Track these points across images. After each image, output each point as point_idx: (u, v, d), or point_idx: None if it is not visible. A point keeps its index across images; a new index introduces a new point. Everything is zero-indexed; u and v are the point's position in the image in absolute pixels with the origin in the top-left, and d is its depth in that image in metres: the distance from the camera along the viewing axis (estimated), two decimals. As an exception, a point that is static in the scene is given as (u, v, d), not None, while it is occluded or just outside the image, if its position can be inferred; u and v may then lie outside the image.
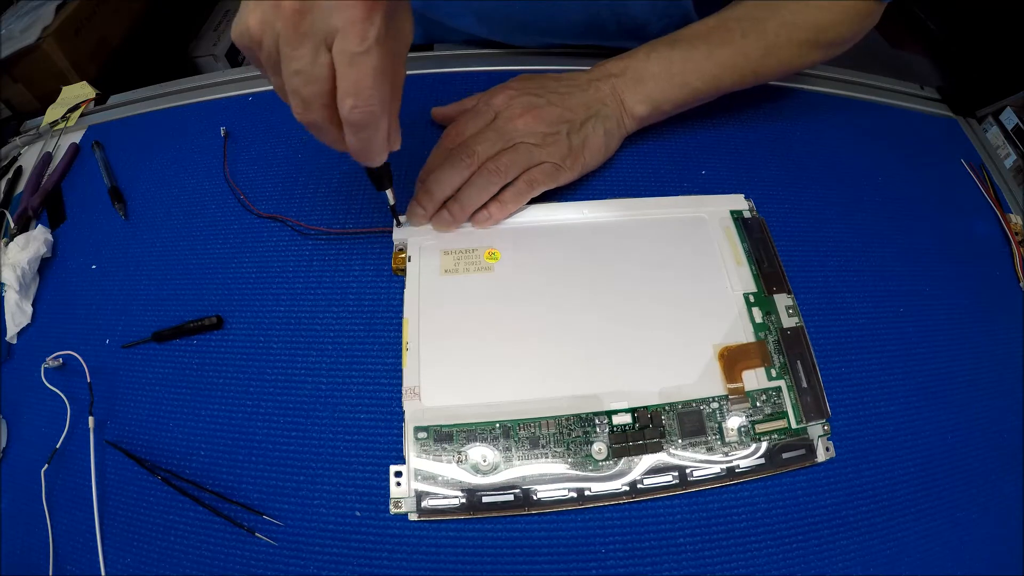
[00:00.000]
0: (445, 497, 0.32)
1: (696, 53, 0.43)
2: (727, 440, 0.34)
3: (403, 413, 0.34)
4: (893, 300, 0.42)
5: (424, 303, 0.38)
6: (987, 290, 0.44)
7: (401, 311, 0.38)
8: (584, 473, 0.33)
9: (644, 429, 0.34)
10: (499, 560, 0.32)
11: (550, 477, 0.33)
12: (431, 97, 0.50)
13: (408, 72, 0.51)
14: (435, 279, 0.39)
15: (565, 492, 0.33)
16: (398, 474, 0.33)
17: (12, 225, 0.45)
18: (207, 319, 0.39)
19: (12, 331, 0.41)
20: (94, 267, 0.43)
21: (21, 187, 0.49)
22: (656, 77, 0.43)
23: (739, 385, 0.35)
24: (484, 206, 0.40)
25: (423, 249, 0.40)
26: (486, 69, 0.53)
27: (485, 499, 0.32)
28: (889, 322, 0.41)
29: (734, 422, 0.35)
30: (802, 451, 0.35)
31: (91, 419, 0.36)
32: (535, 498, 0.32)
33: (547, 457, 0.33)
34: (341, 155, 0.46)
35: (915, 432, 0.37)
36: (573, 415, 0.34)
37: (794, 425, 0.35)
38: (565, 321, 0.37)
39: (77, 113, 0.55)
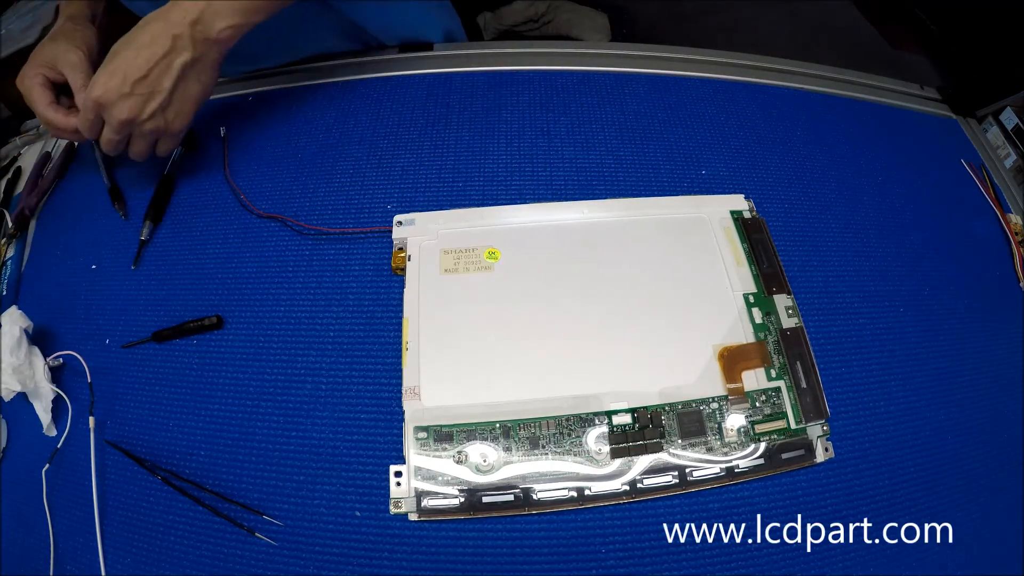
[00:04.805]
0: (445, 497, 0.32)
1: None
2: (727, 440, 0.34)
3: (403, 413, 0.34)
4: (893, 300, 0.42)
5: (424, 303, 0.38)
6: (987, 290, 0.44)
7: (401, 311, 0.38)
8: (584, 473, 0.33)
9: (644, 429, 0.34)
10: (499, 560, 0.32)
11: (550, 477, 0.33)
12: (431, 97, 0.50)
13: (408, 72, 0.52)
14: (435, 278, 0.39)
15: (565, 492, 0.33)
16: (398, 474, 0.33)
17: (11, 225, 0.45)
18: (207, 319, 0.39)
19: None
20: (94, 267, 0.43)
21: (21, 187, 0.49)
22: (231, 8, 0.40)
23: (739, 385, 0.35)
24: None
25: (423, 248, 0.40)
26: (486, 69, 0.53)
27: (485, 499, 0.32)
28: (889, 322, 0.41)
29: (734, 422, 0.35)
30: (801, 451, 0.35)
31: (91, 419, 0.36)
32: (535, 498, 0.32)
33: (547, 457, 0.33)
34: (341, 155, 0.46)
35: (915, 432, 0.37)
36: (573, 415, 0.34)
37: (793, 425, 0.35)
38: (565, 321, 0.37)
39: (77, 113, 0.55)
